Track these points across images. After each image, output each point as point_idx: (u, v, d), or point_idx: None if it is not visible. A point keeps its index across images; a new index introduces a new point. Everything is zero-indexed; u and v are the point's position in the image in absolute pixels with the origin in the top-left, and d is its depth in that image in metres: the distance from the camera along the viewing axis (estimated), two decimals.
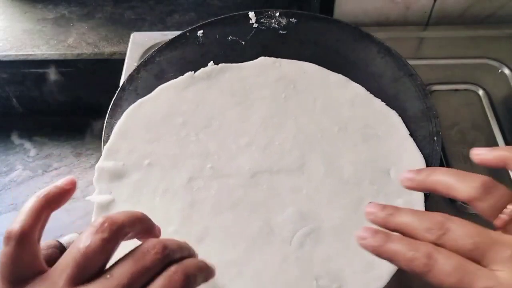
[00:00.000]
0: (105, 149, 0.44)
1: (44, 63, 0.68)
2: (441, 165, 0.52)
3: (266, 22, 0.56)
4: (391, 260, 0.29)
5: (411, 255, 0.28)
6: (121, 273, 0.28)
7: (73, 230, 0.39)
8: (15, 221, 0.29)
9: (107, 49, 0.68)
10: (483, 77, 0.64)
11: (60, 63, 0.68)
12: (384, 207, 0.31)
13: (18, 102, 0.75)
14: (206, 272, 0.32)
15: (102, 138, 0.46)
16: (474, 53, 0.66)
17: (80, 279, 0.27)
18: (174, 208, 0.41)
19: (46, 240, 0.33)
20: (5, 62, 0.68)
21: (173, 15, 0.73)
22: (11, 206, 0.66)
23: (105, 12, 0.73)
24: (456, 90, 0.63)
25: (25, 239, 0.29)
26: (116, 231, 0.28)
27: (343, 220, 0.40)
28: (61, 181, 0.32)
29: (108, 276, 0.27)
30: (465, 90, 0.63)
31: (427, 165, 0.43)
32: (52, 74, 0.70)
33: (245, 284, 0.37)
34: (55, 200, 0.31)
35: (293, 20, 0.55)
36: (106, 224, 0.28)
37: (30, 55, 0.68)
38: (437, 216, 0.29)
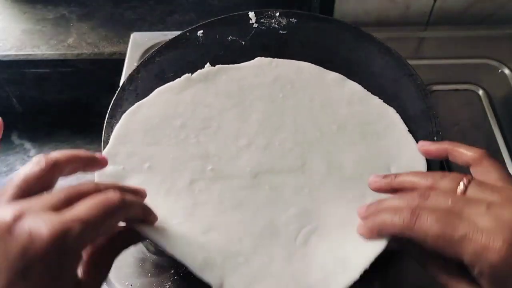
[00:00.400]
0: (104, 153, 0.44)
1: (44, 63, 0.68)
2: (441, 165, 0.52)
3: (266, 22, 0.56)
4: (382, 230, 0.34)
5: (396, 218, 0.32)
6: (61, 191, 0.31)
7: None
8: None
9: (107, 49, 0.68)
10: (483, 77, 0.64)
11: (60, 63, 0.68)
12: (385, 175, 0.37)
13: (18, 102, 0.75)
14: (145, 209, 0.35)
15: (102, 138, 0.46)
16: (474, 53, 0.66)
17: (20, 197, 0.30)
18: (177, 210, 0.41)
19: None
20: (5, 62, 0.67)
21: (173, 15, 0.73)
22: None
23: (105, 12, 0.73)
24: (456, 90, 0.63)
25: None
26: (53, 164, 0.32)
27: (346, 217, 0.40)
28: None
29: (47, 194, 0.31)
30: (465, 90, 0.63)
31: (427, 164, 0.43)
32: (52, 74, 0.70)
33: (251, 271, 0.37)
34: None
35: (293, 20, 0.55)
36: (43, 159, 0.32)
37: (30, 55, 0.68)
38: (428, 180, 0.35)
